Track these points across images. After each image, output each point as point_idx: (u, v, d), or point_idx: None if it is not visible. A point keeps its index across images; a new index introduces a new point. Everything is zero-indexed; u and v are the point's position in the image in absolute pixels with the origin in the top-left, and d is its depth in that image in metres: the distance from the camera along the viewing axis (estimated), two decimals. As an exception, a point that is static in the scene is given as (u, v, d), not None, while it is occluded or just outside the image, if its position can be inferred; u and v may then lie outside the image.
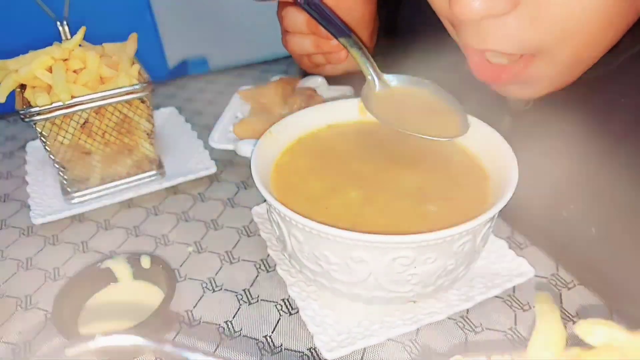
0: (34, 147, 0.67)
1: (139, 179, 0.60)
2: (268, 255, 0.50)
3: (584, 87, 0.47)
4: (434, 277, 0.37)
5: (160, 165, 0.61)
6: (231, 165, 0.66)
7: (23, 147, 0.71)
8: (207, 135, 0.66)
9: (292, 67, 0.93)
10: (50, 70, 0.53)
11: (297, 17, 0.59)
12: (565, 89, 0.48)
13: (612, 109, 0.47)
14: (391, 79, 0.50)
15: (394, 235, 0.33)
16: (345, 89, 0.69)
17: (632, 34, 0.41)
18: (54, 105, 0.50)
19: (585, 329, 0.24)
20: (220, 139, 0.61)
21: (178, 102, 0.82)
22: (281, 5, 0.63)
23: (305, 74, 0.73)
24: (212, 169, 0.62)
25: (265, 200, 0.56)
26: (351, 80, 0.71)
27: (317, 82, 0.68)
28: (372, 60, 0.50)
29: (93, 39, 0.60)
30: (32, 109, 0.50)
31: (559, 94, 0.49)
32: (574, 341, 0.26)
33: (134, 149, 0.59)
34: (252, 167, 0.41)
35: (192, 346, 0.42)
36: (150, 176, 0.60)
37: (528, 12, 0.38)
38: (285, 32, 0.62)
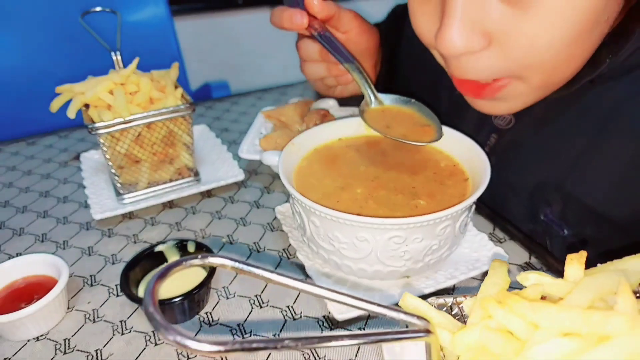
0: (87, 158, 0.78)
1: (179, 184, 0.71)
2: (289, 245, 0.60)
3: (553, 108, 0.57)
4: (422, 254, 0.47)
5: (196, 173, 0.72)
6: (256, 173, 0.77)
7: (75, 158, 0.83)
8: (235, 148, 0.77)
9: (307, 91, 1.05)
10: (111, 92, 0.64)
11: (312, 47, 0.70)
12: (538, 110, 0.58)
13: (576, 125, 0.56)
14: (384, 98, 0.61)
15: (389, 219, 0.43)
16: (354, 110, 0.80)
17: (591, 62, 0.51)
18: (115, 121, 0.62)
19: (523, 276, 0.34)
20: (248, 150, 0.72)
21: (208, 121, 0.94)
22: (299, 38, 0.74)
23: (319, 96, 0.85)
24: (241, 177, 0.73)
25: (287, 200, 0.67)
26: (358, 101, 0.82)
27: (329, 104, 0.79)
28: (370, 82, 0.62)
29: (126, 63, 0.71)
30: (98, 124, 0.62)
31: (533, 114, 0.59)
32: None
33: (175, 159, 0.70)
34: (279, 169, 0.51)
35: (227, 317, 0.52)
36: (188, 182, 0.71)
37: (499, 49, 0.47)
38: (303, 61, 0.74)
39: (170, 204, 0.70)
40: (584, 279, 0.31)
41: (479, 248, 0.56)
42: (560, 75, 0.51)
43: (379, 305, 0.29)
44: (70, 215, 0.69)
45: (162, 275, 0.26)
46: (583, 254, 0.33)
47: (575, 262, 0.33)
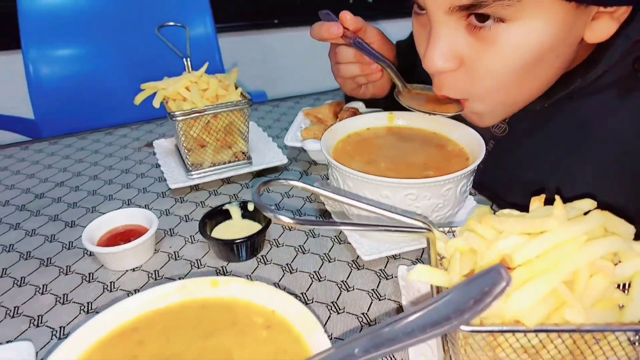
0: (159, 144, 0.96)
1: (235, 165, 0.87)
2: (325, 211, 0.76)
3: (539, 120, 0.71)
4: (430, 210, 0.61)
5: (249, 157, 0.88)
6: (296, 160, 0.93)
7: (147, 145, 1.00)
8: (278, 141, 0.94)
9: (337, 97, 1.21)
10: (187, 89, 0.81)
11: (348, 51, 0.84)
12: (526, 121, 0.71)
13: (558, 133, 0.70)
14: (410, 86, 0.76)
15: (406, 179, 0.58)
16: (377, 110, 0.95)
17: (563, 81, 0.65)
18: (191, 110, 0.79)
19: (501, 212, 0.49)
20: (291, 139, 0.88)
21: (254, 119, 1.10)
22: (333, 46, 0.89)
23: (348, 99, 1.00)
24: (285, 161, 0.88)
25: (326, 174, 0.82)
26: (379, 104, 0.97)
27: (358, 105, 0.95)
28: (399, 74, 0.76)
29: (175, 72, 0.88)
30: (178, 112, 0.78)
31: (523, 125, 0.73)
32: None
33: (233, 145, 0.87)
34: (322, 146, 0.67)
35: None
36: (242, 163, 0.87)
37: (465, 72, 0.62)
38: (337, 63, 0.87)
39: (228, 180, 0.87)
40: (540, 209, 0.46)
41: (478, 216, 0.70)
42: (515, 98, 0.65)
43: (392, 211, 0.44)
44: (148, 186, 0.86)
45: (264, 183, 0.42)
46: (542, 197, 0.48)
47: (536, 201, 0.48)
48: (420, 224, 0.43)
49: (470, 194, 0.76)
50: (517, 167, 0.76)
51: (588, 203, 0.46)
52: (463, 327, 0.39)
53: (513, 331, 0.39)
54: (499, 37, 0.57)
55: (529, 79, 0.62)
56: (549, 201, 0.48)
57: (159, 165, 0.90)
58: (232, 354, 0.40)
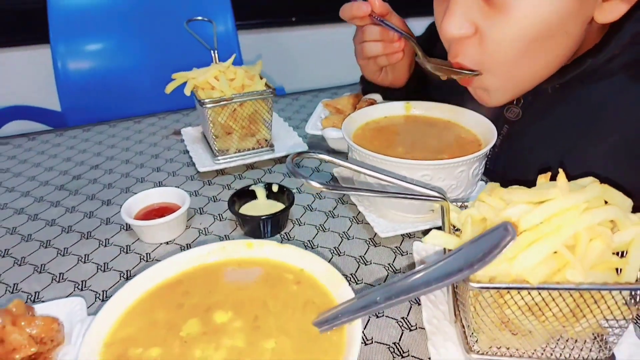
0: (186, 132, 1.01)
1: (259, 151, 0.92)
2: (344, 195, 0.80)
3: (551, 104, 0.75)
4: (422, 184, 0.66)
5: (271, 144, 0.94)
6: (315, 147, 0.98)
7: (174, 133, 1.06)
8: (298, 131, 0.99)
9: (354, 91, 1.26)
10: (215, 78, 0.87)
11: (374, 29, 0.87)
12: (539, 105, 0.75)
13: (570, 117, 0.74)
14: (431, 59, 0.80)
15: (422, 160, 0.63)
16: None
17: (575, 62, 0.68)
18: (220, 97, 0.84)
19: (510, 187, 0.53)
20: (312, 127, 0.93)
21: (275, 111, 1.15)
22: (359, 29, 0.92)
23: (366, 92, 1.05)
24: (305, 148, 0.93)
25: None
26: (397, 95, 1.01)
27: (376, 96, 1.00)
28: (419, 46, 0.80)
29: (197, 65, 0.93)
30: (207, 100, 0.84)
31: (535, 109, 0.77)
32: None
33: (257, 132, 0.92)
34: (342, 132, 0.72)
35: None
36: (265, 150, 0.93)
37: (479, 40, 0.66)
38: (362, 42, 0.91)
39: (252, 166, 0.92)
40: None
41: (489, 199, 0.75)
42: (520, 72, 0.68)
43: (412, 182, 0.49)
44: (177, 170, 0.92)
45: (298, 154, 0.47)
46: (548, 174, 0.52)
47: (542, 178, 0.52)
48: (436, 194, 0.47)
49: (482, 180, 0.80)
50: (530, 151, 0.79)
51: (589, 180, 0.50)
52: (473, 284, 0.43)
53: (519, 288, 0.43)
54: (512, 6, 0.61)
55: (540, 54, 0.65)
56: (555, 179, 0.52)
57: (187, 152, 0.96)
58: (267, 303, 0.44)
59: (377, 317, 0.57)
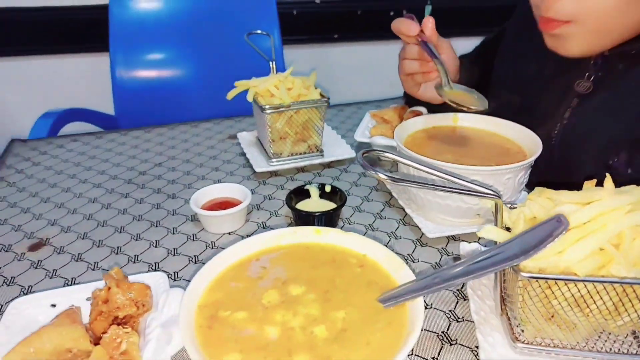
0: (242, 137, 1.09)
1: (310, 156, 0.99)
2: (391, 198, 0.86)
3: (622, 77, 0.76)
4: (478, 183, 0.70)
5: (321, 150, 1.00)
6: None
7: (229, 137, 1.13)
8: (346, 137, 1.05)
9: (398, 103, 1.32)
10: (276, 87, 0.94)
11: (414, 49, 0.93)
12: (611, 79, 0.77)
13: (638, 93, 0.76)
14: (454, 85, 0.85)
15: (473, 166, 0.68)
16: (439, 115, 1.05)
17: None
18: (280, 105, 0.91)
19: (557, 192, 0.57)
20: (360, 135, 1.00)
21: (322, 120, 1.22)
22: (404, 46, 0.98)
23: (410, 105, 1.10)
24: (352, 155, 0.99)
25: (389, 169, 0.92)
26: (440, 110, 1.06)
27: (421, 109, 1.05)
28: (447, 72, 0.85)
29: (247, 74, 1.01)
30: (268, 106, 0.91)
31: (607, 83, 0.79)
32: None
33: (309, 138, 0.98)
34: (395, 139, 0.77)
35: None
36: (316, 155, 0.99)
37: None
38: (403, 59, 0.97)
39: (302, 169, 0.98)
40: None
41: (531, 208, 0.79)
42: (612, 26, 0.71)
43: (464, 179, 0.53)
44: (234, 170, 0.99)
45: (366, 152, 0.52)
46: (594, 181, 0.56)
47: (589, 184, 0.56)
48: (491, 191, 0.52)
49: (524, 190, 0.84)
50: (599, 124, 0.80)
51: (632, 188, 0.54)
52: (524, 274, 0.48)
53: (567, 280, 0.47)
54: None
55: (634, 10, 0.68)
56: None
57: (243, 154, 1.03)
58: (334, 281, 0.50)
59: (426, 308, 0.62)
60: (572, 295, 0.49)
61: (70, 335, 0.48)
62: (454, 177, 0.54)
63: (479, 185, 0.53)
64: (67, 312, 0.51)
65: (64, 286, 0.67)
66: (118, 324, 0.51)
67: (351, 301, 0.47)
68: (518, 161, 0.74)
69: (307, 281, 0.50)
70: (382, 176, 0.50)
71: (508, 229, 0.55)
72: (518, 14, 1.04)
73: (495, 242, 0.53)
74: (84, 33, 1.92)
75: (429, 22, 0.87)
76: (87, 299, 0.57)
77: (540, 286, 0.49)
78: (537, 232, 0.43)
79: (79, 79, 1.97)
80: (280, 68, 1.91)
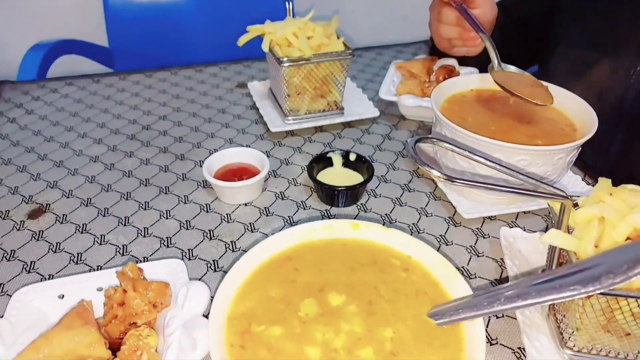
0: (253, 87, 0.99)
1: (329, 114, 0.90)
2: (418, 168, 0.79)
3: None
4: (538, 177, 0.64)
5: (341, 108, 0.91)
6: (384, 114, 0.95)
7: (238, 86, 1.04)
8: (367, 90, 0.96)
9: (420, 50, 1.21)
10: (295, 35, 0.83)
11: (451, 14, 0.84)
12: None
13: None
14: (504, 66, 0.76)
15: (523, 145, 0.60)
16: (471, 69, 0.95)
17: None
18: (300, 57, 0.81)
19: (623, 186, 0.51)
20: (386, 93, 0.90)
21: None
22: (436, 5, 0.89)
23: (435, 54, 1.00)
24: (377, 113, 0.91)
25: (412, 136, 0.84)
26: (473, 61, 0.96)
27: (452, 62, 0.95)
28: (496, 50, 0.76)
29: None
30: (285, 58, 0.81)
31: None
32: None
33: (328, 94, 0.89)
34: (432, 106, 0.69)
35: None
36: (335, 113, 0.90)
37: None
38: (438, 22, 0.87)
39: (321, 129, 0.90)
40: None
41: (575, 185, 0.73)
42: None
43: (531, 177, 0.47)
44: (246, 128, 0.91)
45: (419, 140, 0.45)
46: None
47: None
48: (558, 192, 0.46)
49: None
50: None
51: None
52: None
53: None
54: None
55: None
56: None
57: (254, 107, 0.95)
58: (378, 288, 0.45)
59: (464, 300, 0.58)
60: (641, 310, 0.44)
61: (84, 340, 0.43)
62: (514, 170, 0.47)
63: (544, 183, 0.46)
64: (78, 310, 0.46)
65: (69, 262, 0.62)
66: (135, 324, 0.46)
67: (399, 315, 0.42)
68: (568, 134, 0.67)
69: (347, 288, 0.44)
70: (437, 174, 0.43)
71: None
72: None
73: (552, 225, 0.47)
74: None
75: None
76: (98, 290, 0.51)
77: (607, 300, 0.44)
78: (624, 254, 0.37)
79: (68, 7, 1.80)
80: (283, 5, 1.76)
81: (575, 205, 0.51)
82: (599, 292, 0.41)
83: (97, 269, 0.60)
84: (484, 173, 0.65)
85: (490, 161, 0.47)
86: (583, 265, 0.39)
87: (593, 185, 0.75)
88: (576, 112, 0.71)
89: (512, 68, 0.77)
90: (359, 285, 0.45)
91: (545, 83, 0.73)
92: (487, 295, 0.41)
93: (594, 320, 0.47)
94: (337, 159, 0.76)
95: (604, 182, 0.52)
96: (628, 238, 0.45)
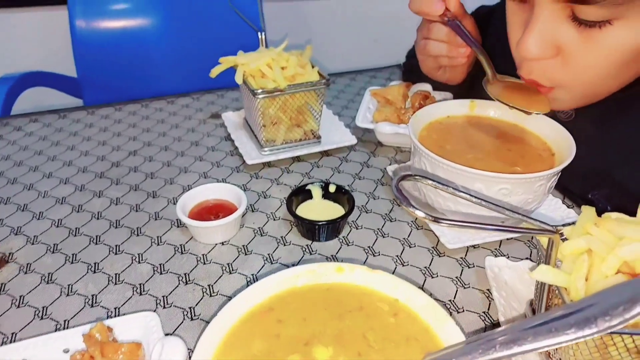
0: (227, 117, 0.97)
1: (306, 143, 0.88)
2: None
3: (608, 110, 0.71)
4: (519, 205, 0.63)
5: (318, 136, 0.90)
6: (362, 140, 0.94)
7: (212, 116, 1.01)
8: (342, 117, 0.95)
9: (394, 74, 1.21)
10: (269, 66, 0.82)
11: (442, 29, 0.82)
12: (595, 110, 0.71)
13: (627, 126, 0.71)
14: (501, 76, 0.76)
15: (504, 173, 0.59)
16: (446, 94, 0.95)
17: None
18: (275, 88, 0.79)
19: (607, 214, 0.50)
20: (362, 120, 0.89)
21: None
22: (426, 21, 0.87)
23: (409, 80, 1.00)
24: (354, 141, 0.90)
25: (390, 163, 0.83)
26: (448, 87, 0.96)
27: (427, 87, 0.95)
28: (490, 63, 0.76)
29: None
30: (260, 90, 0.79)
31: (591, 113, 0.73)
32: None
33: (305, 123, 0.88)
34: (410, 135, 0.68)
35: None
36: (313, 142, 0.89)
37: (561, 63, 0.63)
38: (427, 39, 0.86)
39: (298, 159, 0.88)
40: (652, 216, 0.47)
41: (554, 209, 0.72)
42: (599, 90, 0.67)
43: (517, 212, 0.46)
44: (221, 160, 0.88)
45: (401, 178, 0.43)
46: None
47: (646, 207, 0.49)
48: (546, 226, 0.45)
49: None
50: (579, 154, 0.76)
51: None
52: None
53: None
54: (605, 36, 0.58)
55: (620, 76, 0.64)
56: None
57: (228, 139, 0.92)
58: (367, 337, 0.42)
59: (453, 337, 0.56)
60: (636, 346, 0.43)
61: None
62: (501, 206, 0.46)
63: (532, 218, 0.45)
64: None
65: (34, 318, 0.57)
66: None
67: (390, 366, 0.40)
68: (546, 159, 0.67)
69: (334, 338, 0.42)
70: (421, 215, 0.41)
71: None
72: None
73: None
74: (36, -17, 1.69)
75: None
76: (65, 351, 0.47)
77: (601, 337, 0.43)
78: (621, 294, 0.35)
79: (34, 37, 1.75)
80: (261, 26, 1.75)
81: (562, 235, 0.50)
82: (596, 335, 0.39)
83: (64, 324, 0.56)
84: (467, 205, 0.64)
85: (474, 196, 0.45)
86: (578, 306, 0.37)
87: (572, 208, 0.75)
88: (553, 136, 0.71)
89: (508, 78, 0.76)
90: (346, 334, 0.43)
91: (547, 100, 0.72)
92: (481, 342, 0.39)
93: (588, 358, 0.45)
94: (316, 191, 0.74)
95: (589, 211, 0.51)
96: (619, 271, 0.44)
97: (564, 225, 0.52)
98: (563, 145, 0.68)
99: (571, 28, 0.60)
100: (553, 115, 0.79)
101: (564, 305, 0.37)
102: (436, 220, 0.41)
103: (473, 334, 0.56)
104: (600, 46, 0.59)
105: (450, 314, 0.58)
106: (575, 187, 0.77)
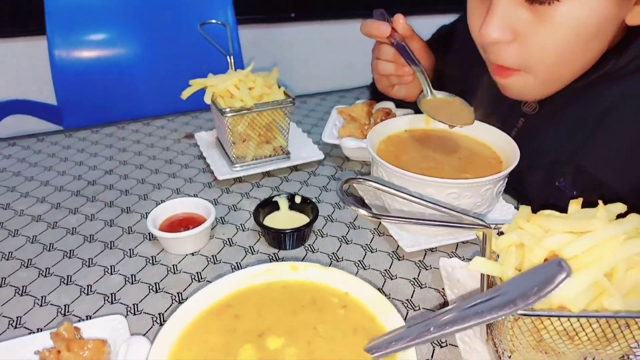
0: (200, 137, 1.01)
1: (276, 159, 0.93)
2: (363, 204, 0.82)
3: (568, 99, 0.76)
4: (469, 207, 0.68)
5: (287, 152, 0.94)
6: (329, 155, 0.98)
7: (186, 136, 1.05)
8: (312, 135, 0.99)
9: (363, 95, 1.27)
10: (236, 87, 0.86)
11: (389, 50, 0.89)
12: (556, 100, 0.76)
13: (585, 114, 0.75)
14: (437, 93, 0.81)
15: (451, 179, 0.64)
16: (408, 110, 1.01)
17: (597, 63, 0.69)
18: (241, 107, 0.84)
19: (541, 212, 0.55)
20: (329, 136, 0.94)
21: (285, 114, 1.15)
22: (378, 43, 0.93)
23: (376, 99, 1.06)
24: (321, 156, 0.94)
25: (359, 170, 0.88)
26: (409, 105, 1.02)
27: (389, 105, 1.01)
28: (428, 80, 0.82)
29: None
30: (228, 109, 0.84)
31: (553, 104, 0.78)
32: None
33: (273, 140, 0.92)
34: (368, 147, 0.73)
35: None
36: (282, 158, 0.93)
37: (520, 45, 0.67)
38: (377, 59, 0.92)
39: (268, 174, 0.92)
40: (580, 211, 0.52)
41: (507, 213, 0.77)
42: (562, 73, 0.70)
43: (452, 209, 0.50)
44: (194, 177, 0.92)
45: (346, 181, 0.47)
46: (580, 200, 0.54)
47: (574, 204, 0.54)
48: (480, 222, 0.49)
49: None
50: (545, 144, 0.80)
51: (619, 207, 0.52)
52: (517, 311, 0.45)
53: (561, 316, 0.45)
54: (555, 13, 0.62)
55: (580, 56, 0.67)
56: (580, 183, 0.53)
57: (201, 157, 0.96)
58: (317, 328, 0.46)
59: (409, 333, 0.59)
60: (564, 328, 0.47)
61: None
62: (441, 205, 0.50)
63: (466, 214, 0.49)
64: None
65: (7, 327, 0.59)
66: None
67: (338, 353, 0.43)
68: (493, 166, 0.72)
69: (287, 330, 0.45)
70: (363, 212, 0.45)
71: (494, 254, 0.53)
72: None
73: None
74: (16, 13, 1.74)
75: (400, 19, 0.82)
76: (35, 353, 0.50)
77: (532, 321, 0.47)
78: (536, 276, 0.40)
79: (14, 67, 1.79)
80: (235, 52, 1.81)
81: (501, 233, 0.55)
82: (516, 313, 0.43)
83: (37, 332, 0.58)
84: (421, 208, 0.68)
85: (415, 197, 0.50)
86: (501, 289, 0.42)
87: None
88: (500, 145, 0.76)
89: (442, 95, 0.82)
90: (298, 326, 0.46)
91: (473, 114, 0.78)
92: (419, 326, 0.43)
93: (524, 342, 0.49)
94: (283, 202, 0.78)
95: (524, 210, 0.56)
96: (546, 259, 0.49)
97: (503, 223, 0.57)
98: (509, 153, 0.73)
99: (526, 10, 0.65)
100: (519, 108, 0.83)
101: (491, 289, 0.41)
102: (375, 216, 0.45)
103: (427, 329, 0.60)
104: (552, 24, 0.63)
105: (407, 312, 0.62)
106: (540, 177, 0.80)
